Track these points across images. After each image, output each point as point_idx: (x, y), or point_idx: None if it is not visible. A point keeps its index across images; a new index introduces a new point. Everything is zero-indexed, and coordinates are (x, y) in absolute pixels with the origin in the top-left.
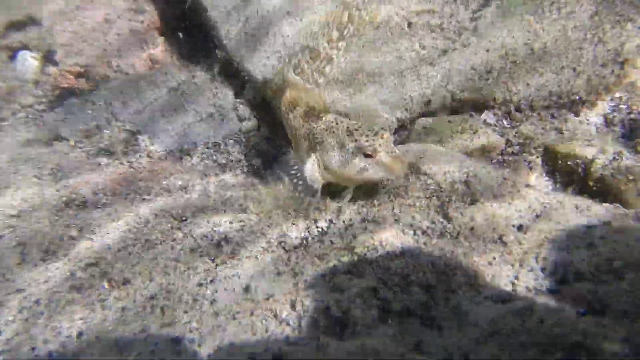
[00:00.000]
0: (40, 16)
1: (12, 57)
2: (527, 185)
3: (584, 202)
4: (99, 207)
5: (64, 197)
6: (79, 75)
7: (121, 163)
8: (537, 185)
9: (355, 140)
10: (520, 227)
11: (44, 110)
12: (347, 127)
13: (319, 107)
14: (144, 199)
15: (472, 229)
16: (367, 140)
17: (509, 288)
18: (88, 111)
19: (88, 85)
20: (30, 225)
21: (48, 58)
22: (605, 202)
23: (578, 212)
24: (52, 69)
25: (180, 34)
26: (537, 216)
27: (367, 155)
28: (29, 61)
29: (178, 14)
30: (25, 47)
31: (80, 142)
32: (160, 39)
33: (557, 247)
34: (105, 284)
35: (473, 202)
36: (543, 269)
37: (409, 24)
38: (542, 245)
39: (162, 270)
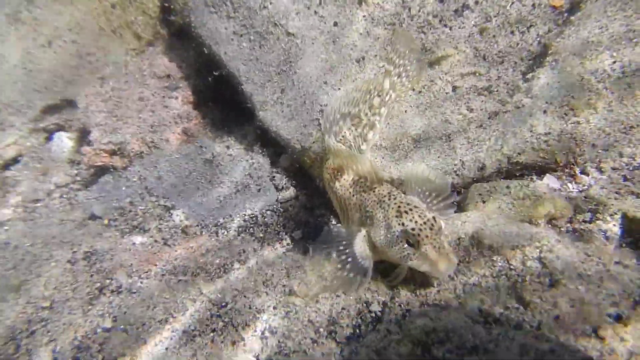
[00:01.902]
0: (75, 98)
1: (49, 139)
2: (617, 263)
3: None
4: (134, 292)
5: (97, 282)
6: (113, 153)
7: (155, 241)
8: (620, 261)
9: (403, 224)
10: (618, 318)
11: (79, 189)
12: (399, 207)
13: (371, 177)
14: (180, 280)
15: (557, 318)
16: (413, 229)
17: None
18: (122, 188)
19: (122, 162)
20: (62, 318)
21: (83, 138)
22: None
23: None
24: (86, 149)
25: (214, 106)
26: (637, 302)
27: (410, 244)
28: (65, 142)
29: (211, 87)
30: (62, 128)
31: (114, 220)
32: (194, 112)
33: None
34: None
35: (553, 283)
36: None
37: (454, 88)
38: None
39: None
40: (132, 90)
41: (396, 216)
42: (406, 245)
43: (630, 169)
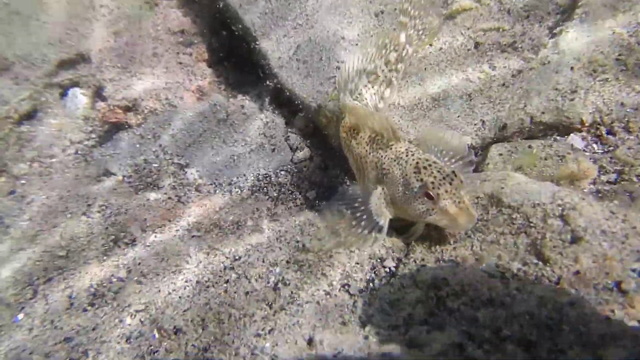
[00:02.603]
0: (89, 53)
1: (63, 95)
2: None
3: None
4: (147, 246)
5: (112, 235)
6: (127, 110)
7: (169, 198)
8: None
9: (422, 180)
10: None
11: (94, 146)
12: (417, 163)
13: (388, 133)
14: (193, 236)
15: (577, 273)
16: (432, 182)
17: (637, 351)
18: (136, 145)
19: (136, 119)
20: (78, 267)
21: (98, 94)
22: None
23: None
24: (101, 105)
25: (229, 64)
26: None
27: (430, 198)
28: (79, 98)
29: (226, 44)
30: (76, 84)
31: (128, 177)
32: (208, 70)
33: None
34: (156, 333)
35: (575, 240)
36: None
37: (476, 44)
38: None
39: (216, 318)
40: (146, 46)
41: (415, 172)
42: (425, 201)
43: None
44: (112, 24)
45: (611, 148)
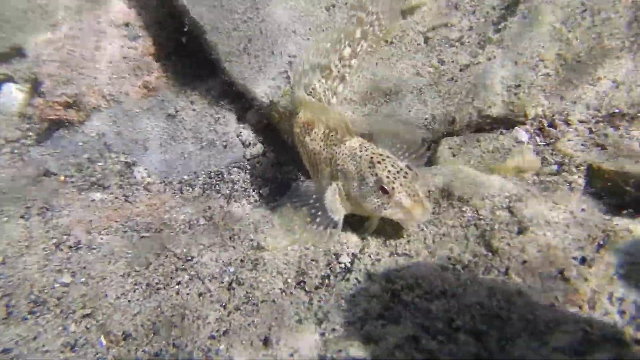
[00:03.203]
0: (25, 46)
1: None
2: (583, 210)
3: None
4: (93, 248)
5: (54, 238)
6: (68, 106)
7: (116, 197)
8: (586, 208)
9: (376, 174)
10: (583, 260)
11: (31, 145)
12: (371, 158)
13: (342, 129)
14: (142, 237)
15: (524, 262)
16: (387, 176)
17: (579, 336)
18: (79, 143)
19: (78, 116)
20: (17, 273)
21: (35, 89)
22: None
23: None
24: (39, 101)
25: (177, 59)
26: (600, 246)
27: (385, 192)
28: (14, 94)
29: (174, 38)
30: (11, 79)
31: (71, 176)
32: (156, 65)
33: (633, 283)
34: (103, 340)
35: (522, 231)
36: (622, 313)
37: (426, 39)
38: (613, 282)
39: (167, 321)
40: (87, 39)
41: (369, 167)
42: (380, 195)
43: (596, 121)
44: (50, 15)
45: (552, 140)
